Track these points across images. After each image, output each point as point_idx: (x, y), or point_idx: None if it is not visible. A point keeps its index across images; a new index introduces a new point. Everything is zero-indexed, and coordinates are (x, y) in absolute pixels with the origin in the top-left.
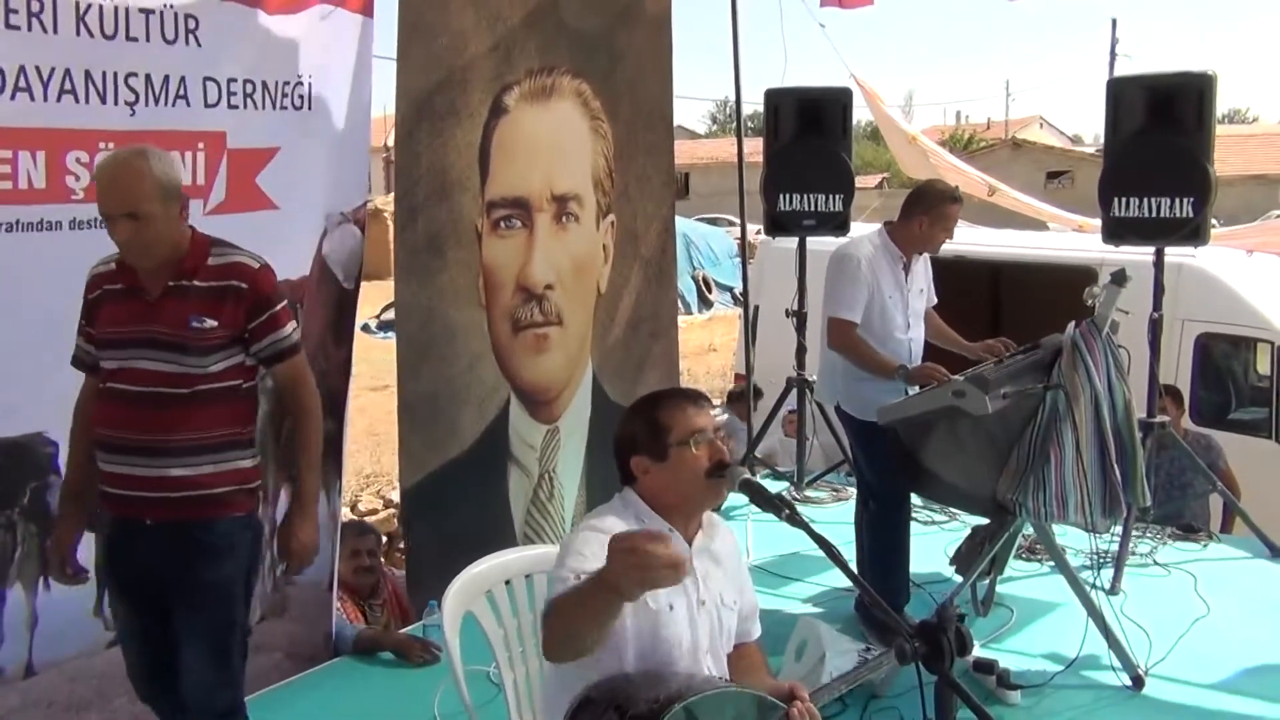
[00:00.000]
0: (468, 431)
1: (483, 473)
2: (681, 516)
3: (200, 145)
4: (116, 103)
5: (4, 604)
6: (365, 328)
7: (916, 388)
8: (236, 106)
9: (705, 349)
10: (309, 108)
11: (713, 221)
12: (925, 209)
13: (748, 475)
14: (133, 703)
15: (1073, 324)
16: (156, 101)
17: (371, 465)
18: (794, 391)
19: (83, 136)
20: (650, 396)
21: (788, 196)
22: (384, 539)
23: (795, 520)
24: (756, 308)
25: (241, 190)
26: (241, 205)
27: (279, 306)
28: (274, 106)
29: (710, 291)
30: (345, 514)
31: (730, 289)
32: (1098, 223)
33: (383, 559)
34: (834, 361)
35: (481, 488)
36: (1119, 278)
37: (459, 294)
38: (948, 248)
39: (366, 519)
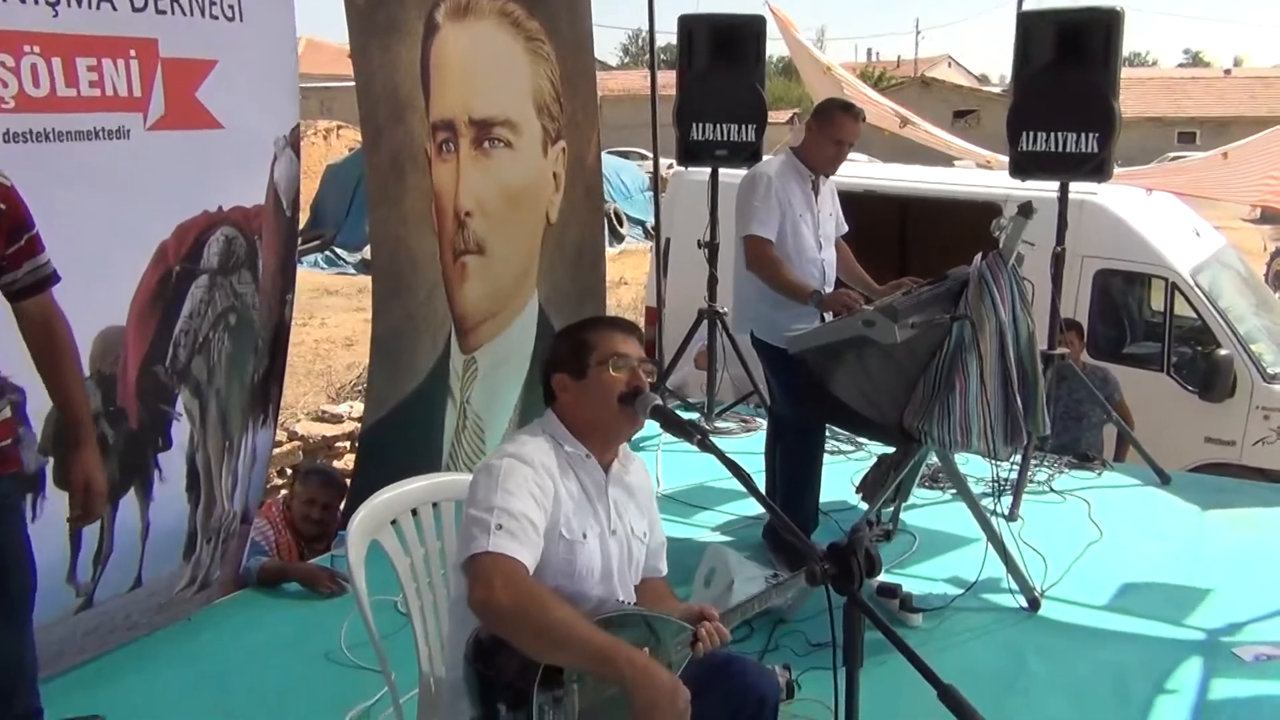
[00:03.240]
0: (422, 365)
1: (429, 407)
2: (598, 442)
3: (132, 53)
4: (37, 2)
5: None
6: None
7: (830, 315)
8: (165, 12)
9: (616, 282)
10: (240, 19)
11: (624, 155)
12: (817, 116)
13: (659, 402)
14: None
15: (979, 256)
16: (79, 3)
17: None
18: (705, 323)
19: (4, 38)
20: (584, 320)
21: (700, 126)
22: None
23: (707, 445)
24: (668, 240)
25: (181, 105)
26: (184, 122)
27: (35, 229)
28: (204, 14)
29: (621, 225)
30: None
31: (642, 223)
32: (1004, 158)
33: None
34: (748, 289)
35: (428, 423)
36: (1025, 209)
37: (419, 220)
38: (857, 181)
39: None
